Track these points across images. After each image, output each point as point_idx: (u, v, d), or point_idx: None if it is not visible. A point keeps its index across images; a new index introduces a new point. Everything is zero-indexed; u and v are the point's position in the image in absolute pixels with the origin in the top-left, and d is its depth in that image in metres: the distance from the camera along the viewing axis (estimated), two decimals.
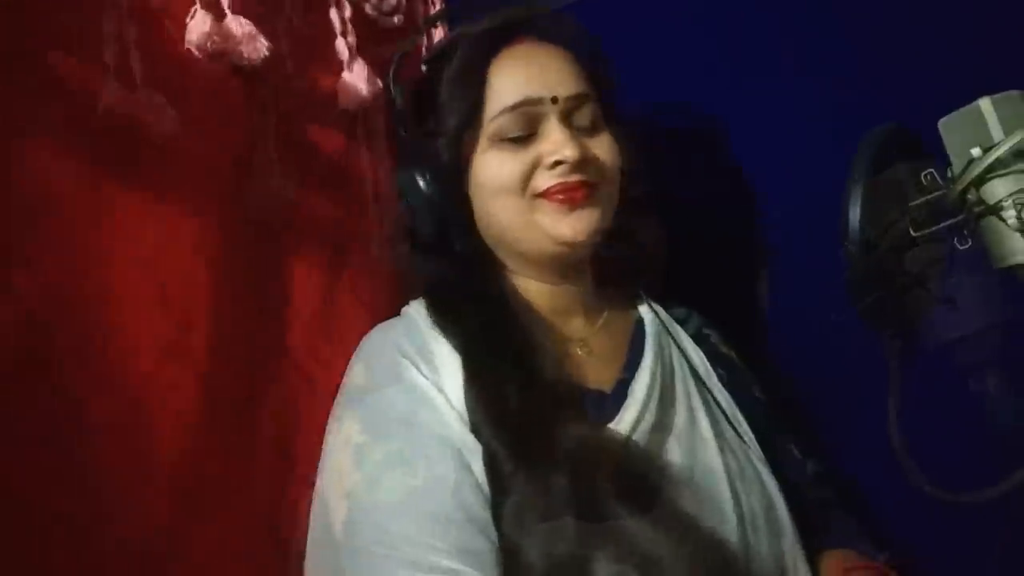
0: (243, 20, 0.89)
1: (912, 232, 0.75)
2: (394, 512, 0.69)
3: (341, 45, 1.06)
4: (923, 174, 0.75)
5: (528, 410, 0.75)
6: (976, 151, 0.70)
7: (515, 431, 0.73)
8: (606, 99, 0.87)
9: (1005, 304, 0.72)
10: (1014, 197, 0.70)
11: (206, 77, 0.89)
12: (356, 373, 0.81)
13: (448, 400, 0.75)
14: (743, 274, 1.10)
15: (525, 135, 0.81)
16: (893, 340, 0.75)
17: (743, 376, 0.94)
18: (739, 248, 1.10)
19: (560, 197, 0.80)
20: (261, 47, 0.90)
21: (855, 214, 0.72)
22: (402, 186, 0.86)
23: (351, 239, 1.04)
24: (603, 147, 0.84)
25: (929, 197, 0.72)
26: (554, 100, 0.81)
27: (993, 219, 0.71)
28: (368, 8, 1.14)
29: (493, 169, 0.82)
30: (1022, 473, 0.69)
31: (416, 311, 0.85)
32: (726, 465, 0.81)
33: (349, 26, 1.07)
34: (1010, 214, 0.70)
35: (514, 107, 0.81)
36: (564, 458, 0.72)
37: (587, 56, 0.87)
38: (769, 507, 0.81)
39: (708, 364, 0.91)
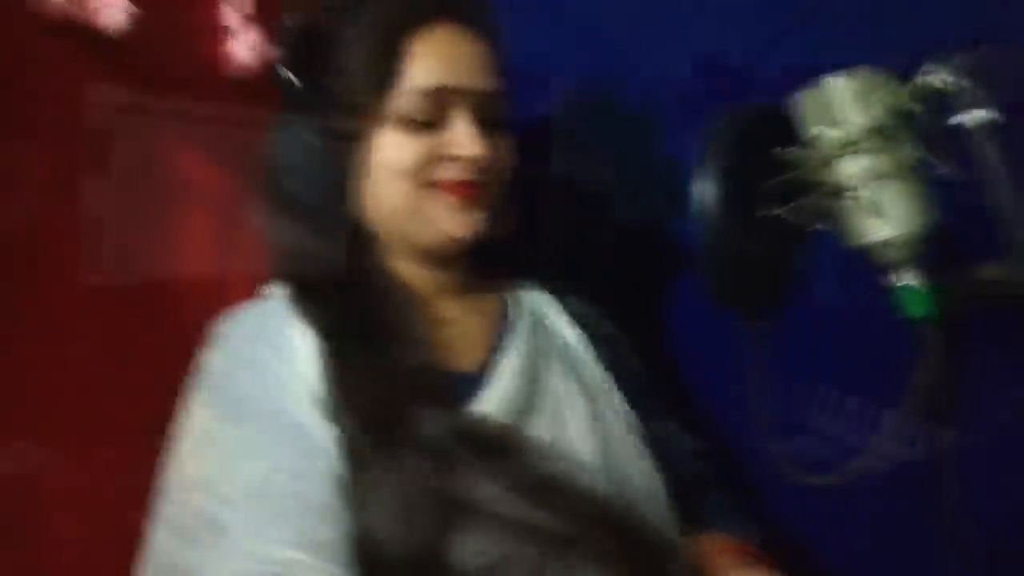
0: None
1: (768, 212, 0.73)
2: (237, 502, 0.68)
3: (228, 12, 1.02)
4: (779, 152, 0.73)
5: (386, 394, 0.74)
6: (826, 129, 0.69)
7: (371, 415, 0.72)
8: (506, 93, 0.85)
9: (859, 282, 0.71)
10: (864, 176, 0.69)
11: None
12: (209, 357, 0.79)
13: (304, 385, 0.74)
14: (634, 255, 1.08)
15: (432, 121, 0.79)
16: (750, 321, 0.74)
17: (625, 356, 0.93)
18: (631, 229, 1.08)
19: (456, 193, 0.79)
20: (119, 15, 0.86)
21: (708, 194, 0.70)
22: (280, 144, 0.83)
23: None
24: (503, 148, 0.83)
25: (782, 178, 0.71)
26: (470, 93, 0.80)
27: (846, 198, 0.70)
28: None
29: (393, 150, 0.79)
30: (871, 456, 0.69)
31: (277, 292, 0.83)
32: (598, 444, 0.80)
33: None
34: (860, 193, 0.69)
35: (428, 91, 0.79)
36: (421, 440, 0.71)
37: (501, 50, 0.85)
38: (644, 486, 0.81)
39: (585, 345, 0.91)
